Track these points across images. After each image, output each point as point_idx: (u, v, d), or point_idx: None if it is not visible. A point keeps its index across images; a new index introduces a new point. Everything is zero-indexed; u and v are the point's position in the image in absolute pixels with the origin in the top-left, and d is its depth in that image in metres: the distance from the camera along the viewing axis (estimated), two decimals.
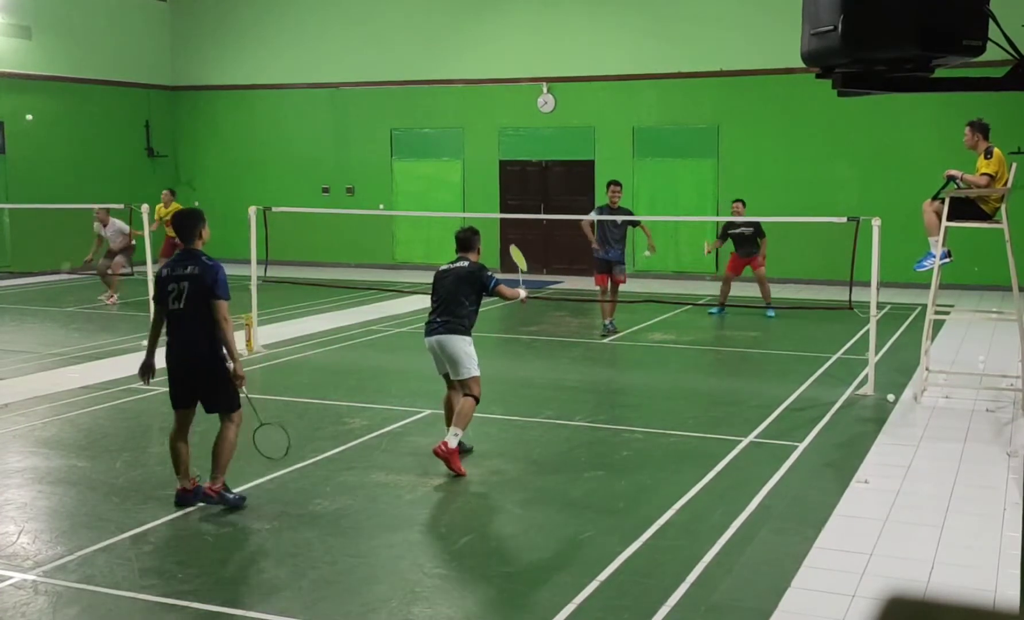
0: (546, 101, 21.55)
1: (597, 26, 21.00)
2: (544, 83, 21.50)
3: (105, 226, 17.04)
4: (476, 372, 7.91)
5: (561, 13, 21.28)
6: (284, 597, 5.59)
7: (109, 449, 8.46)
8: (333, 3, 23.07)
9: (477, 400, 7.88)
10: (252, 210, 13.13)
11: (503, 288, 8.05)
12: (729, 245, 16.02)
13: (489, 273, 8.12)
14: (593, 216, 14.19)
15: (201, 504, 6.93)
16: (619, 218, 13.86)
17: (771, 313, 15.42)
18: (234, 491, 7.00)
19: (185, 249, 6.97)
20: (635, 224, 14.48)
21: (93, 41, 22.78)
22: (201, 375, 6.85)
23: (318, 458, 8.15)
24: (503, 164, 22.18)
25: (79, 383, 10.89)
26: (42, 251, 20.97)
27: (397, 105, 22.80)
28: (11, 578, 5.84)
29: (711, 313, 15.75)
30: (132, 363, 12.04)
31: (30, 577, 5.84)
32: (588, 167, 21.44)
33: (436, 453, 7.65)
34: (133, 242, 16.94)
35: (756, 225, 15.51)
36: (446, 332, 7.86)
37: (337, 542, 6.37)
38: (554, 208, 21.23)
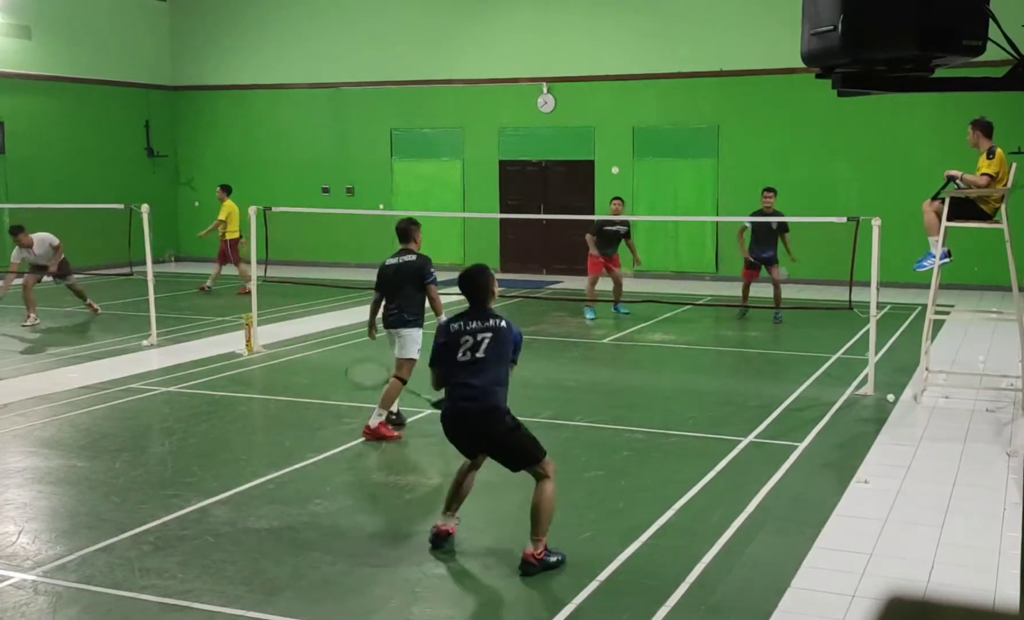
0: (546, 101, 21.55)
1: (597, 26, 20.99)
2: (544, 83, 21.50)
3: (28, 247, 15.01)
4: (414, 355, 8.76)
5: (561, 13, 21.27)
6: (284, 597, 5.59)
7: (109, 449, 8.46)
8: (333, 3, 23.06)
9: (404, 382, 8.61)
10: (252, 210, 13.13)
11: (434, 291, 8.73)
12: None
13: (430, 268, 8.80)
14: (747, 221, 15.23)
15: (200, 504, 6.94)
16: (773, 221, 14.86)
17: (622, 309, 15.47)
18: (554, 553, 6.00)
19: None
20: (784, 229, 15.04)
21: (93, 41, 22.77)
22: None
23: (318, 458, 8.15)
24: (503, 164, 22.17)
25: (79, 383, 10.89)
26: None
27: (397, 105, 22.80)
28: (11, 578, 5.84)
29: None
30: (132, 363, 12.09)
31: (30, 577, 5.84)
32: (588, 167, 21.44)
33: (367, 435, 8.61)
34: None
35: (628, 224, 15.68)
36: (402, 326, 8.69)
37: (337, 542, 6.37)
38: (554, 208, 21.22)
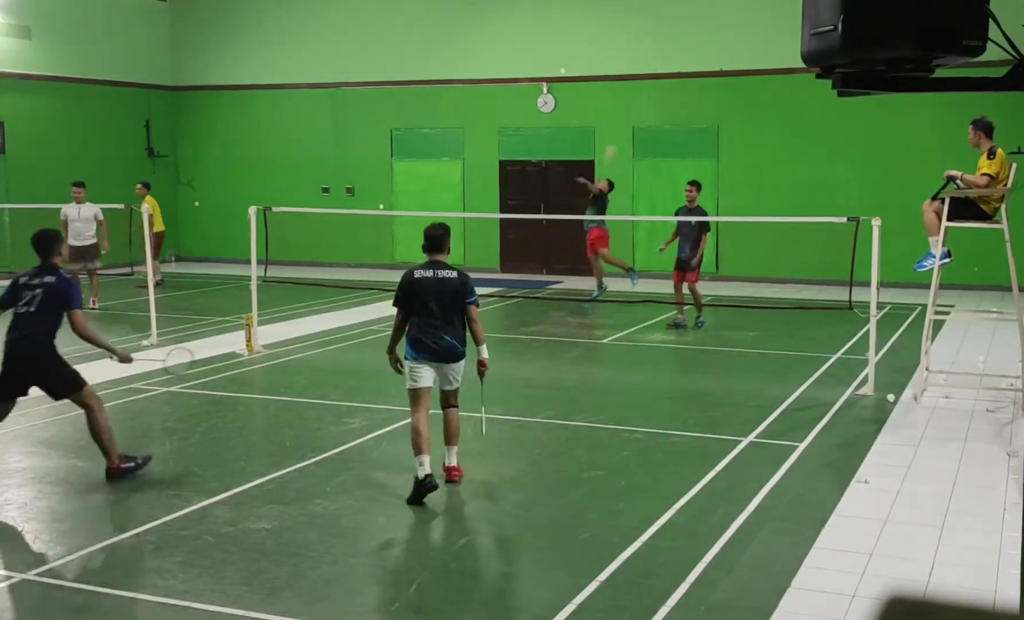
0: (546, 101, 21.55)
1: (597, 26, 21.00)
2: (544, 83, 21.51)
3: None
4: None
5: (561, 13, 21.27)
6: (284, 597, 5.58)
7: None
8: (333, 3, 23.06)
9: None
10: (252, 210, 13.13)
11: (476, 313, 7.29)
12: None
13: (472, 285, 7.34)
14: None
15: (200, 504, 6.94)
16: (693, 219, 14.06)
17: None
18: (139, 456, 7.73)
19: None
20: (705, 229, 14.27)
21: (93, 41, 22.76)
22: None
23: (318, 458, 8.15)
24: (503, 164, 22.17)
25: None
26: None
27: (397, 105, 22.80)
28: (11, 578, 5.84)
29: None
30: (133, 363, 12.05)
31: (30, 577, 5.84)
32: (588, 167, 21.40)
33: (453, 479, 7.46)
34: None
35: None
36: (457, 360, 7.26)
37: (337, 542, 6.37)
38: (554, 208, 21.21)
